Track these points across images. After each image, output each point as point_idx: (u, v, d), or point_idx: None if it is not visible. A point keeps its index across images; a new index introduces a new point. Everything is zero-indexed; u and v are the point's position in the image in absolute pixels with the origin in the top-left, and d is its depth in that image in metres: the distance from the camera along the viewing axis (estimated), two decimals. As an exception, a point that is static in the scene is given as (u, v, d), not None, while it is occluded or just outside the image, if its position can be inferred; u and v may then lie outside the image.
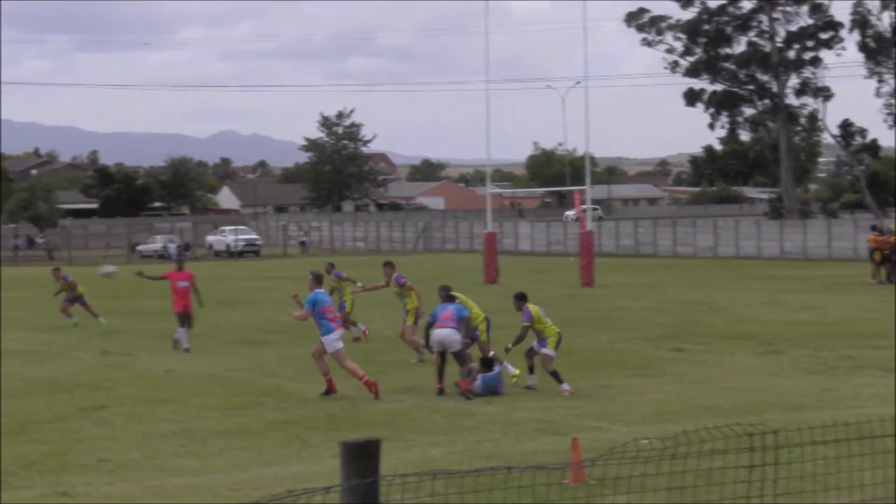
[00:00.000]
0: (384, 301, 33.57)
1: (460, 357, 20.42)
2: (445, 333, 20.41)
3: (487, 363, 20.81)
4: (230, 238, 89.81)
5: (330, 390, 20.53)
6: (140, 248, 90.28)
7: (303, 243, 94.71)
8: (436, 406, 19.29)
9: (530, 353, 21.23)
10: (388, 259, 29.35)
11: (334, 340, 20.52)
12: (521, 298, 21.70)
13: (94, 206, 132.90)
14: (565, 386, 20.50)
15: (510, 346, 21.38)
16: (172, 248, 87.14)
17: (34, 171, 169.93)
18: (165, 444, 16.43)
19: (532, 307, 21.33)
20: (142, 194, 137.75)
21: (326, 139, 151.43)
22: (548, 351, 20.89)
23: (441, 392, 20.32)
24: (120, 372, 24.48)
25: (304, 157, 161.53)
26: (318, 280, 21.39)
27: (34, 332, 33.30)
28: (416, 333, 25.29)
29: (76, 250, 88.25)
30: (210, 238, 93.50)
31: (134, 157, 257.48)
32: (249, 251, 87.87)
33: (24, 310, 40.41)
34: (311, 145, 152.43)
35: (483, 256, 54.59)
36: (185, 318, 27.70)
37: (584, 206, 51.56)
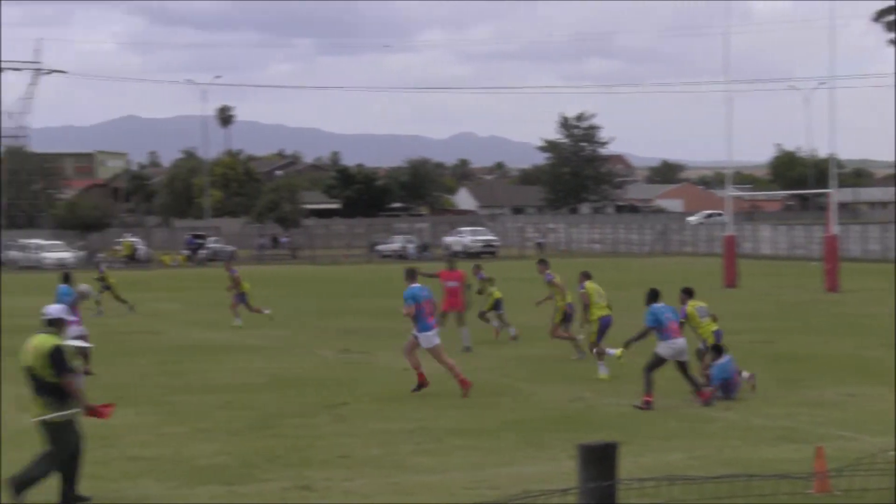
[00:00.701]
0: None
1: (686, 366, 19.79)
2: (683, 344, 19.79)
3: (718, 349, 20.59)
4: (467, 238, 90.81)
5: (422, 384, 20.97)
6: (379, 247, 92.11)
7: (540, 244, 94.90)
8: (673, 410, 19.00)
9: (700, 356, 21.17)
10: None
11: (432, 336, 20.97)
12: (685, 292, 21.78)
13: (336, 206, 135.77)
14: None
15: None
16: (411, 248, 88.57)
17: (279, 172, 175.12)
18: (403, 442, 16.66)
19: (690, 306, 21.36)
20: (382, 195, 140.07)
21: (565, 140, 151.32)
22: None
23: (648, 406, 19.01)
24: (359, 369, 24.99)
25: (541, 159, 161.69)
26: (411, 276, 21.83)
27: (274, 328, 34.26)
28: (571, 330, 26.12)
29: (318, 249, 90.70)
30: (447, 238, 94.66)
31: (374, 159, 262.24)
32: (486, 252, 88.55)
33: (269, 307, 41.55)
34: (549, 146, 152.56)
35: (722, 260, 53.72)
36: (459, 318, 28.20)
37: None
